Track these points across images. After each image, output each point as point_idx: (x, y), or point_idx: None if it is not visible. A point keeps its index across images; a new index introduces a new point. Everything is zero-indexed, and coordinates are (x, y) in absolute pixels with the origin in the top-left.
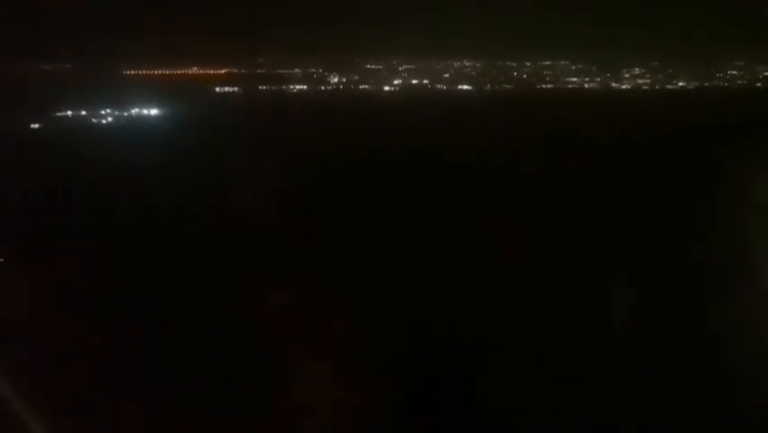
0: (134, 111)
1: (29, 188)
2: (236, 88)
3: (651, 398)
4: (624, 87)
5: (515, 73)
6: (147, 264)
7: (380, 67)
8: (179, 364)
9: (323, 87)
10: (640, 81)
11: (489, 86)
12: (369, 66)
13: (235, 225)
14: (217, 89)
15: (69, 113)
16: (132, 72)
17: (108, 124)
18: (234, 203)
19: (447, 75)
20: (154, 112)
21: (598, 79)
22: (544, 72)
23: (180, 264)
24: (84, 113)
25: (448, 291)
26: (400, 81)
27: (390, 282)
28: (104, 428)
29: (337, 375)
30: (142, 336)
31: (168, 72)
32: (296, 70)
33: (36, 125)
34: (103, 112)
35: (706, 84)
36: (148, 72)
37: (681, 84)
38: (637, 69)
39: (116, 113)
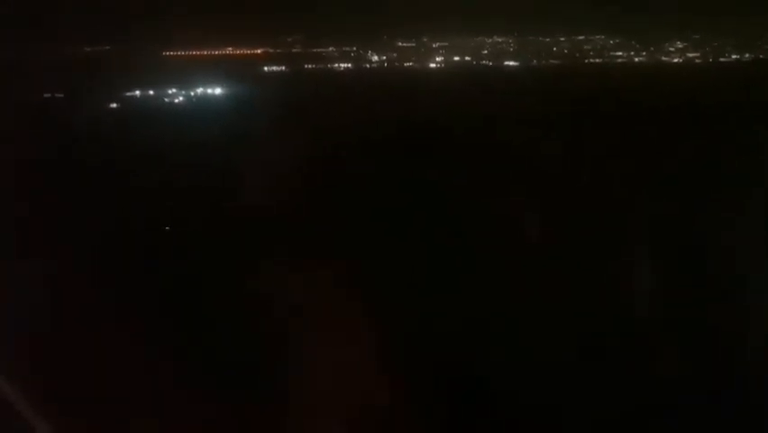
0: (199, 90)
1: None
2: (283, 67)
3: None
4: (675, 60)
5: (554, 48)
6: (215, 243)
7: (413, 44)
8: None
9: (367, 65)
10: (690, 55)
11: (535, 61)
12: (400, 43)
13: (294, 202)
14: (266, 69)
15: (138, 93)
16: (171, 53)
17: (180, 103)
18: (296, 180)
19: (485, 51)
20: (218, 91)
21: (644, 54)
22: (584, 47)
23: (244, 241)
24: (152, 92)
25: (498, 275)
26: (442, 58)
27: (439, 264)
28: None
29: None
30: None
31: (205, 53)
32: (330, 49)
33: (114, 105)
34: (170, 92)
35: (761, 56)
36: (186, 53)
37: (734, 56)
38: (679, 43)
39: (183, 92)
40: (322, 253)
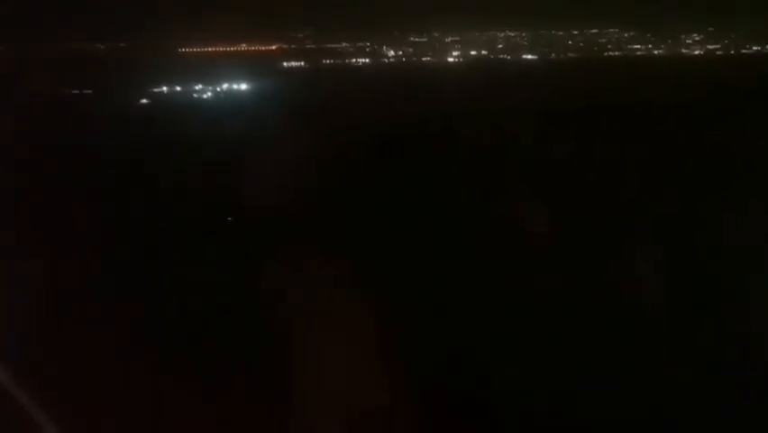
0: (225, 86)
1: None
2: (302, 63)
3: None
4: (696, 52)
5: (569, 41)
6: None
7: (424, 39)
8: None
9: (386, 60)
10: (710, 47)
11: (553, 54)
12: (412, 38)
13: (316, 196)
14: (285, 64)
15: (165, 88)
16: (187, 50)
17: (209, 98)
18: (322, 175)
19: (501, 45)
20: (243, 86)
21: (663, 46)
22: (600, 40)
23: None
24: (179, 88)
25: (519, 270)
26: (459, 53)
27: (462, 259)
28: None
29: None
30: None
31: (221, 49)
32: (344, 44)
33: (145, 101)
34: (198, 87)
35: None
36: (202, 50)
37: (756, 48)
38: (696, 35)
39: (210, 87)
40: (343, 250)
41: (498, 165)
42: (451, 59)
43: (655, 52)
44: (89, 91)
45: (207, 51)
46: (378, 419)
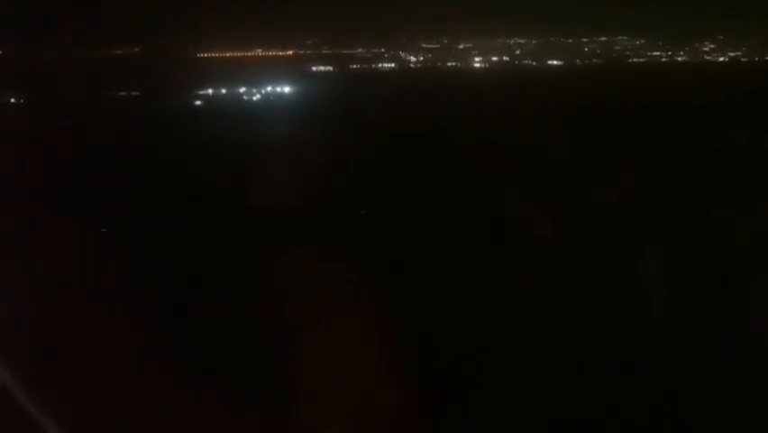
0: (268, 89)
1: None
2: (330, 68)
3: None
4: (721, 59)
5: (585, 49)
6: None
7: (437, 45)
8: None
9: (412, 66)
10: (733, 54)
11: (578, 60)
12: (424, 45)
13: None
14: (314, 68)
15: (210, 92)
16: (206, 55)
17: (256, 101)
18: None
19: (518, 51)
20: (287, 90)
21: (682, 53)
22: (615, 48)
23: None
24: (224, 91)
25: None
26: (481, 58)
27: (485, 264)
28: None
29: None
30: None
31: (239, 54)
32: (359, 50)
33: (199, 103)
34: (241, 90)
35: None
36: (221, 54)
37: None
38: (708, 44)
39: (253, 90)
40: (374, 252)
41: (525, 170)
42: (477, 65)
43: (679, 59)
44: (136, 93)
45: (224, 57)
46: (381, 420)
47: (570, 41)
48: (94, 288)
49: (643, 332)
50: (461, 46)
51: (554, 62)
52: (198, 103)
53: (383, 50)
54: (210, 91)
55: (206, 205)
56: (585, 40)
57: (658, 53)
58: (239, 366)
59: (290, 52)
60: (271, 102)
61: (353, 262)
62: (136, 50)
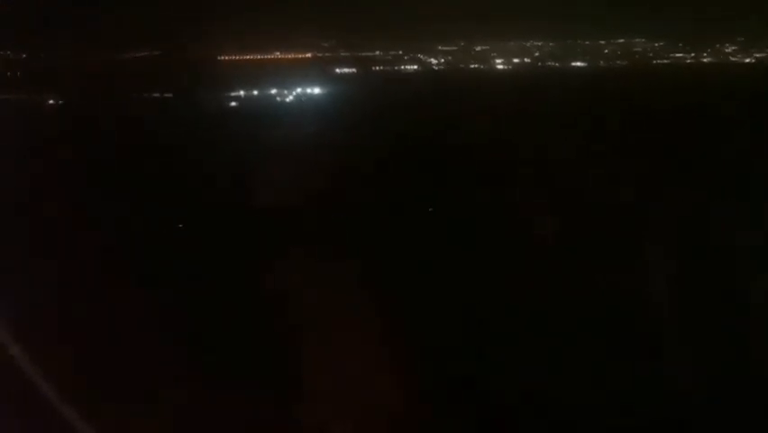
0: (299, 90)
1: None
2: (354, 70)
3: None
4: (747, 60)
5: (606, 51)
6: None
7: (455, 48)
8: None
9: (435, 68)
10: (759, 55)
11: (602, 62)
12: (441, 47)
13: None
14: (337, 70)
15: (242, 93)
16: (226, 58)
17: (290, 102)
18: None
19: (537, 54)
20: (318, 91)
21: (705, 55)
22: (634, 49)
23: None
24: (256, 93)
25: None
26: (502, 60)
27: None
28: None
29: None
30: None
31: (259, 57)
32: (377, 52)
33: (234, 104)
34: (273, 92)
35: None
36: (241, 58)
37: None
38: (728, 45)
39: (284, 92)
40: (396, 252)
41: (551, 171)
42: (500, 66)
43: (704, 60)
44: (169, 95)
45: (244, 60)
46: (385, 421)
47: (587, 42)
48: (120, 284)
49: (658, 334)
50: (478, 48)
51: (578, 64)
52: (228, 105)
53: (401, 51)
54: (231, 94)
55: (225, 206)
56: (602, 42)
57: (681, 55)
58: (254, 365)
59: (308, 55)
60: (289, 104)
61: (373, 262)
62: (156, 53)
